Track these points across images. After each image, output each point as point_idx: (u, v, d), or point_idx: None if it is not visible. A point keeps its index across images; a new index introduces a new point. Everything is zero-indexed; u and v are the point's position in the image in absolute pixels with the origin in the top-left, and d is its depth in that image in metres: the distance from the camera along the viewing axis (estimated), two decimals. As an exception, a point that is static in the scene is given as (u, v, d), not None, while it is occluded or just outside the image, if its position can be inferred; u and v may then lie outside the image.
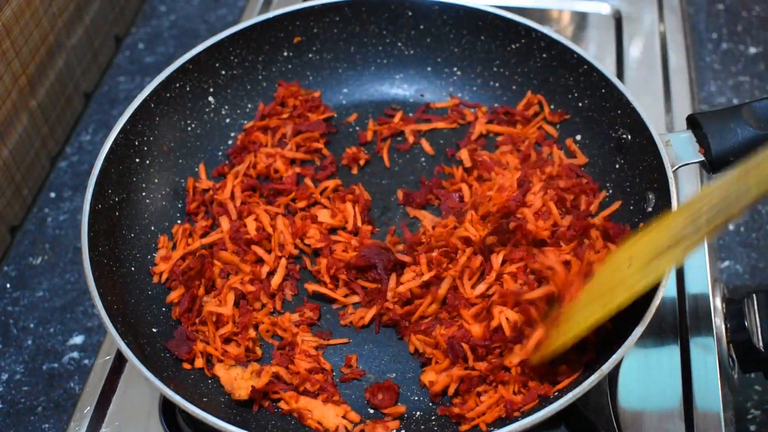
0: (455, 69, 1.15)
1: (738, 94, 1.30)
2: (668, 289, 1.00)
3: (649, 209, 0.95)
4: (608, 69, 1.03)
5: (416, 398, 0.90)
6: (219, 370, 0.90)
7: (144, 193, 1.02)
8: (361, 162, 1.09)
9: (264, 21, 1.10)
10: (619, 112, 1.01)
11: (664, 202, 0.91)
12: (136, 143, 1.01)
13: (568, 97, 1.09)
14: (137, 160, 1.02)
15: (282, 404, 0.89)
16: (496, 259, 0.92)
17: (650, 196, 0.95)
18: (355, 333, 0.95)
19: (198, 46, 1.07)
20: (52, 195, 1.20)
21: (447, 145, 1.11)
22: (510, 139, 1.09)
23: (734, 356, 0.95)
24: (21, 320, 1.07)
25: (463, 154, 1.06)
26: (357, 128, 1.14)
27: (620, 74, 1.26)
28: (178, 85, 1.06)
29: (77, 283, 1.10)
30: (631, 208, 0.98)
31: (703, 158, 0.93)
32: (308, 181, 1.07)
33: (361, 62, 1.16)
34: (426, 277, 0.92)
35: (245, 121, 1.13)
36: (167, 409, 0.93)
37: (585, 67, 1.05)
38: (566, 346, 0.83)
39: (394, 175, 1.09)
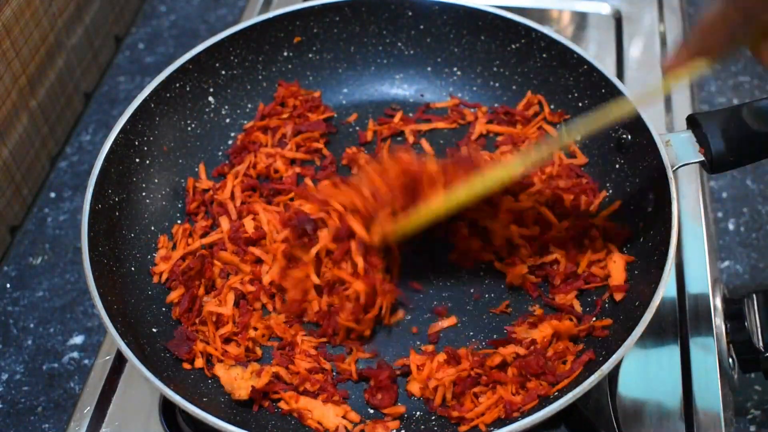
0: (455, 69, 1.15)
1: (738, 94, 1.30)
2: (668, 289, 1.00)
3: (649, 209, 0.95)
4: (608, 69, 1.03)
5: (416, 398, 0.90)
6: (219, 370, 0.90)
7: (144, 193, 1.02)
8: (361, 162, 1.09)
9: (264, 21, 1.10)
10: (619, 112, 1.01)
11: (664, 202, 0.92)
12: (136, 143, 1.01)
13: (568, 97, 1.09)
14: (137, 160, 1.02)
15: (282, 404, 0.89)
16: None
17: (650, 196, 0.95)
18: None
19: (198, 46, 1.07)
20: (52, 195, 1.20)
21: (447, 145, 1.11)
22: (510, 139, 1.09)
23: (734, 356, 0.95)
24: (21, 320, 1.07)
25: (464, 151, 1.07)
26: (357, 128, 1.14)
27: (620, 74, 1.26)
28: (178, 85, 1.06)
29: (77, 283, 1.10)
30: (631, 208, 0.98)
31: (703, 158, 0.93)
32: (308, 181, 1.07)
33: (361, 62, 1.16)
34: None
35: (245, 121, 1.13)
36: (167, 409, 0.93)
37: (585, 67, 1.05)
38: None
39: (394, 175, 1.09)
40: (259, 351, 0.93)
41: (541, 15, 1.37)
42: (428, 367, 0.89)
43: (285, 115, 1.12)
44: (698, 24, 0.74)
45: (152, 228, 1.01)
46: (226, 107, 1.12)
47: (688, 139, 0.94)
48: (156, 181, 1.04)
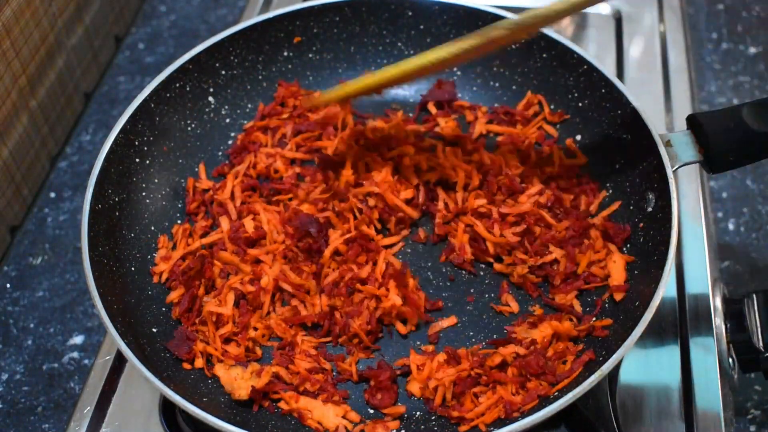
0: (455, 69, 1.15)
1: (738, 94, 1.30)
2: (668, 289, 1.00)
3: (649, 209, 0.95)
4: (608, 69, 1.03)
5: (416, 398, 0.90)
6: (219, 370, 0.90)
7: (144, 193, 1.02)
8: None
9: (264, 21, 1.10)
10: (619, 112, 1.01)
11: (664, 202, 0.92)
12: (136, 143, 1.01)
13: (568, 97, 1.09)
14: (137, 160, 1.02)
15: (282, 404, 0.88)
16: None
17: (650, 196, 0.95)
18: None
19: (198, 46, 1.07)
20: (52, 195, 1.20)
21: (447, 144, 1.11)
22: (510, 139, 1.09)
23: (734, 356, 0.95)
24: (21, 320, 1.07)
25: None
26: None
27: (620, 74, 1.26)
28: (178, 85, 1.06)
29: (77, 283, 1.10)
30: (631, 208, 0.98)
31: (703, 158, 0.93)
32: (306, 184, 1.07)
33: (361, 62, 1.16)
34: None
35: (245, 121, 1.13)
36: (167, 409, 0.93)
37: (585, 67, 1.05)
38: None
39: (394, 175, 1.09)
40: (259, 351, 0.93)
41: (541, 15, 1.36)
42: (428, 367, 0.89)
43: (285, 115, 1.12)
44: None
45: (152, 228, 1.01)
46: (226, 107, 1.12)
47: (688, 139, 0.94)
48: (156, 181, 1.04)
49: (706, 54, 1.36)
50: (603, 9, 1.36)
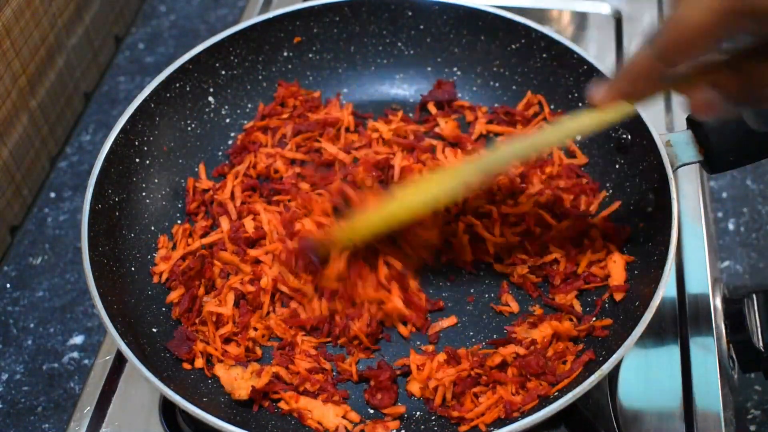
0: (455, 69, 1.15)
1: (738, 94, 1.30)
2: (668, 289, 1.00)
3: (649, 209, 0.95)
4: (608, 69, 1.03)
5: (416, 398, 0.90)
6: (219, 370, 0.90)
7: (144, 193, 1.02)
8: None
9: (264, 21, 1.10)
10: (619, 112, 1.01)
11: (664, 202, 0.92)
12: (136, 143, 1.01)
13: (568, 97, 1.09)
14: (137, 160, 1.02)
15: (282, 404, 0.88)
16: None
17: (650, 196, 0.95)
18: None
19: (198, 46, 1.07)
20: (52, 195, 1.20)
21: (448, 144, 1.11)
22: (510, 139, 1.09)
23: (734, 356, 0.95)
24: (21, 320, 1.07)
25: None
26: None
27: (620, 74, 1.25)
28: (178, 85, 1.06)
29: (77, 283, 1.10)
30: (631, 208, 0.98)
31: (703, 158, 0.93)
32: (304, 185, 1.06)
33: (361, 62, 1.16)
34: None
35: (245, 121, 1.13)
36: (167, 409, 0.93)
37: (585, 67, 1.05)
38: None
39: (394, 175, 1.09)
40: (259, 351, 0.93)
41: (541, 15, 1.36)
42: (428, 367, 0.89)
43: (285, 115, 1.12)
44: (624, 68, 0.73)
45: (152, 228, 1.01)
46: (226, 107, 1.12)
47: (688, 139, 0.94)
48: (156, 181, 1.04)
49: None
50: (603, 9, 1.36)
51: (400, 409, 0.88)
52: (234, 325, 0.93)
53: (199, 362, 0.91)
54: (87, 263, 0.88)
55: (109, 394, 0.95)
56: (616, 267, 0.95)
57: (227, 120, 1.12)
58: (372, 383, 0.89)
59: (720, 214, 1.16)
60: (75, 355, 1.03)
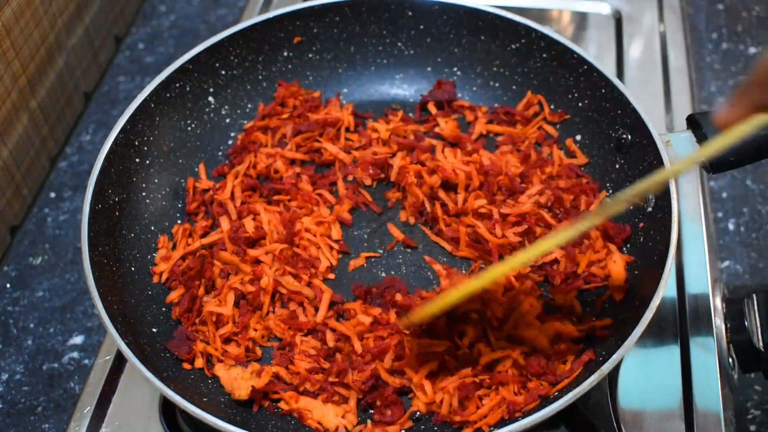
0: (455, 69, 1.15)
1: (738, 94, 1.30)
2: (668, 289, 1.00)
3: (649, 209, 0.95)
4: (608, 69, 1.03)
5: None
6: (219, 370, 0.90)
7: (144, 193, 1.02)
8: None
9: (264, 21, 1.10)
10: (619, 112, 1.01)
11: (664, 202, 0.92)
12: (136, 143, 1.01)
13: (568, 97, 1.09)
14: (137, 160, 1.02)
15: (282, 404, 0.88)
16: None
17: (650, 196, 0.95)
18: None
19: (198, 46, 1.07)
20: (52, 195, 1.20)
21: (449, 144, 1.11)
22: (510, 139, 1.09)
23: (734, 356, 0.95)
24: (21, 320, 1.07)
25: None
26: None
27: (620, 74, 1.26)
28: (178, 85, 1.06)
29: (77, 283, 1.10)
30: (631, 208, 0.98)
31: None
32: (304, 185, 1.06)
33: (361, 62, 1.16)
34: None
35: (245, 121, 1.13)
36: (167, 409, 0.93)
37: (585, 67, 1.05)
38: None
39: (394, 175, 1.09)
40: (259, 351, 0.93)
41: (541, 15, 1.37)
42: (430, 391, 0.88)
43: (285, 115, 1.12)
44: (752, 75, 0.67)
45: (152, 228, 1.01)
46: (226, 107, 1.12)
47: (688, 139, 0.94)
48: (156, 181, 1.04)
49: (706, 54, 1.36)
50: (603, 9, 1.36)
51: (407, 424, 0.87)
52: (234, 325, 0.93)
53: (199, 362, 0.91)
54: (87, 263, 0.88)
55: (109, 394, 0.95)
56: (616, 267, 0.95)
57: (227, 120, 1.12)
58: (378, 403, 0.88)
59: (720, 214, 1.16)
60: (75, 355, 1.03)
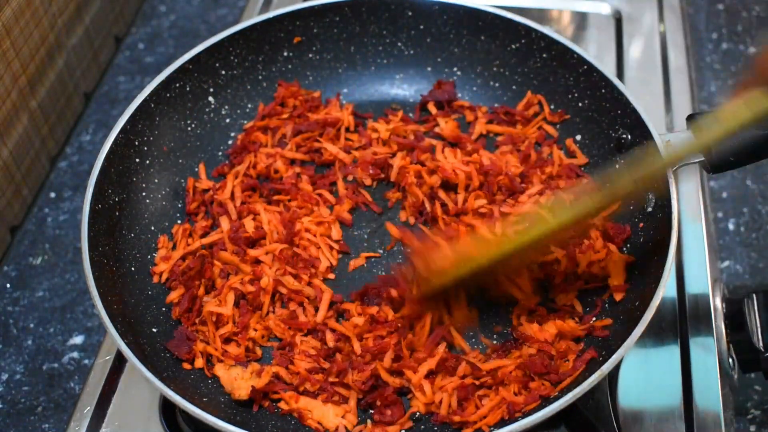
0: (455, 69, 1.15)
1: (738, 94, 1.30)
2: (668, 289, 1.00)
3: (649, 209, 0.95)
4: (608, 69, 1.03)
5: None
6: (219, 370, 0.90)
7: (144, 193, 1.02)
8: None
9: (264, 21, 1.10)
10: (619, 112, 1.01)
11: (664, 202, 0.92)
12: (136, 143, 1.01)
13: (568, 97, 1.09)
14: (137, 160, 1.02)
15: (282, 404, 0.88)
16: None
17: (650, 196, 0.95)
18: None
19: (198, 46, 1.07)
20: (52, 195, 1.20)
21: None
22: (510, 139, 1.09)
23: (734, 356, 0.95)
24: (21, 320, 1.07)
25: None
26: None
27: (620, 74, 1.26)
28: (178, 85, 1.06)
29: (77, 283, 1.10)
30: (631, 208, 0.98)
31: (703, 158, 0.93)
32: (304, 185, 1.06)
33: (361, 62, 1.16)
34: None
35: (245, 121, 1.13)
36: (167, 409, 0.92)
37: (585, 67, 1.05)
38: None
39: (394, 175, 1.09)
40: (259, 351, 0.93)
41: (541, 15, 1.37)
42: (429, 389, 0.88)
43: (285, 115, 1.12)
44: (760, 53, 0.70)
45: (152, 228, 1.01)
46: (226, 107, 1.12)
47: (688, 138, 0.94)
48: (156, 181, 1.04)
49: (706, 54, 1.36)
50: (603, 9, 1.36)
51: (407, 425, 0.87)
52: (234, 325, 0.93)
53: (199, 362, 0.91)
54: (87, 263, 0.88)
55: (109, 394, 0.95)
56: (616, 267, 0.95)
57: (227, 120, 1.12)
58: (378, 403, 0.88)
59: (720, 214, 1.16)
60: (75, 355, 1.03)
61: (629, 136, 1.00)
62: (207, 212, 1.04)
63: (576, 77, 1.07)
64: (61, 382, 1.01)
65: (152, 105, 1.03)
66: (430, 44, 1.15)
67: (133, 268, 0.97)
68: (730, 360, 0.95)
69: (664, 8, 1.36)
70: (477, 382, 0.88)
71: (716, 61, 1.35)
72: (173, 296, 0.96)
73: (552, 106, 1.11)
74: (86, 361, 1.02)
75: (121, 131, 0.99)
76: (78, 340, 1.05)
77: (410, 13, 1.13)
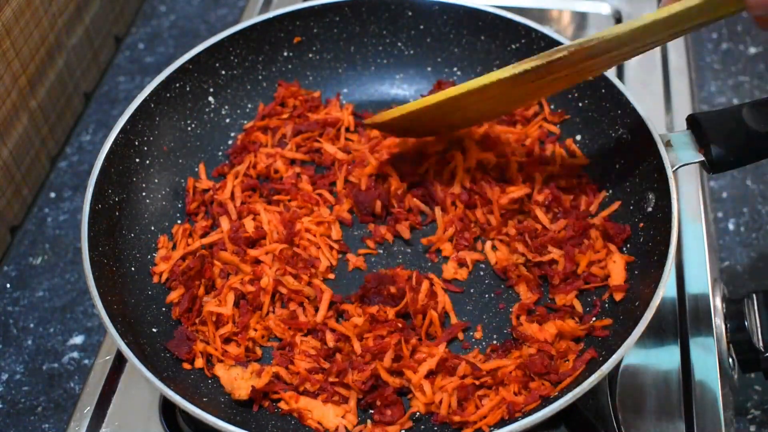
0: (455, 69, 1.15)
1: (738, 94, 1.30)
2: (668, 289, 1.00)
3: (649, 209, 0.95)
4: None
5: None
6: (219, 370, 0.90)
7: (144, 193, 1.02)
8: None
9: (264, 21, 1.10)
10: (619, 112, 1.01)
11: (664, 202, 0.92)
12: (136, 143, 1.01)
13: (568, 97, 1.09)
14: (137, 160, 1.02)
15: (282, 404, 0.88)
16: None
17: (650, 196, 0.95)
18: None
19: (198, 46, 1.07)
20: (52, 195, 1.20)
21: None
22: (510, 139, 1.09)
23: (734, 356, 0.95)
24: (21, 320, 1.07)
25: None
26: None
27: (620, 74, 1.26)
28: (178, 85, 1.06)
29: (77, 283, 1.10)
30: (631, 208, 0.98)
31: (703, 158, 0.93)
32: (304, 185, 1.06)
33: (361, 62, 1.16)
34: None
35: (245, 121, 1.13)
36: (167, 409, 0.93)
37: (585, 67, 1.05)
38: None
39: (394, 175, 1.09)
40: (259, 351, 0.93)
41: (541, 15, 1.37)
42: (429, 390, 0.88)
43: (285, 115, 1.12)
44: None
45: (152, 228, 1.01)
46: (226, 107, 1.12)
47: (688, 139, 0.94)
48: (156, 181, 1.04)
49: (706, 54, 1.36)
50: (603, 9, 1.36)
51: (407, 425, 0.88)
52: (234, 325, 0.93)
53: (199, 362, 0.91)
54: (87, 263, 0.88)
55: (109, 394, 0.95)
56: (616, 267, 0.95)
57: (227, 120, 1.12)
58: (378, 403, 0.88)
59: (720, 214, 1.16)
60: (75, 355, 1.03)
61: (629, 136, 1.00)
62: (207, 212, 1.04)
63: (576, 77, 1.07)
64: (61, 382, 1.01)
65: (152, 105, 1.03)
66: (430, 44, 1.15)
67: (133, 268, 0.97)
68: (730, 360, 0.95)
69: (664, 8, 1.36)
70: (477, 382, 0.88)
71: (716, 61, 1.35)
72: (173, 296, 0.96)
73: (552, 106, 1.11)
74: (86, 361, 1.03)
75: (121, 131, 0.99)
76: (78, 340, 1.05)
77: (410, 13, 1.13)
